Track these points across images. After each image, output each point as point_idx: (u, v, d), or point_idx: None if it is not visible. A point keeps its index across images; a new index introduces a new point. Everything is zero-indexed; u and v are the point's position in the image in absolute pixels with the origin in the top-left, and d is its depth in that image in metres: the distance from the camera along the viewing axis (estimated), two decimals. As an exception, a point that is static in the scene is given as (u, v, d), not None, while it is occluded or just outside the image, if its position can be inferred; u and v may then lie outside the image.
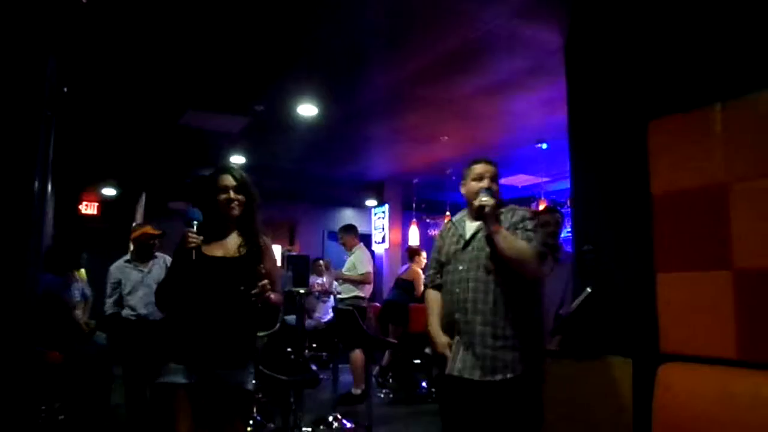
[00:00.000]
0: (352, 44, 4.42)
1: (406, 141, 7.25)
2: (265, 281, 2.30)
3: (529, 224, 2.55)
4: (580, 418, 2.88)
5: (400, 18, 4.01)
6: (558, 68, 4.02)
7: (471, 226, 2.61)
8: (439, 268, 2.69)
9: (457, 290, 2.52)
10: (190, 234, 2.36)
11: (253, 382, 2.51)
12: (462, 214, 2.72)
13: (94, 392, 5.17)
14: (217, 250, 2.42)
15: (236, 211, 2.44)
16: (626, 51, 3.40)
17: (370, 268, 6.07)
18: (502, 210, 2.57)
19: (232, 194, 2.43)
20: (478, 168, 2.61)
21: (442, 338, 2.54)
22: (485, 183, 2.53)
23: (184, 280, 2.35)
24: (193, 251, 2.34)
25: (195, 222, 2.39)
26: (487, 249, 2.48)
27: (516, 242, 2.44)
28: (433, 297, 2.68)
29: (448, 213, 9.31)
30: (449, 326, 2.55)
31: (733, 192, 2.65)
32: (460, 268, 2.54)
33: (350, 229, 6.42)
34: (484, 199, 2.40)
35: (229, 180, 2.45)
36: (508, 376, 2.40)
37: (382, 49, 4.54)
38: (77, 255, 5.44)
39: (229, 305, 2.34)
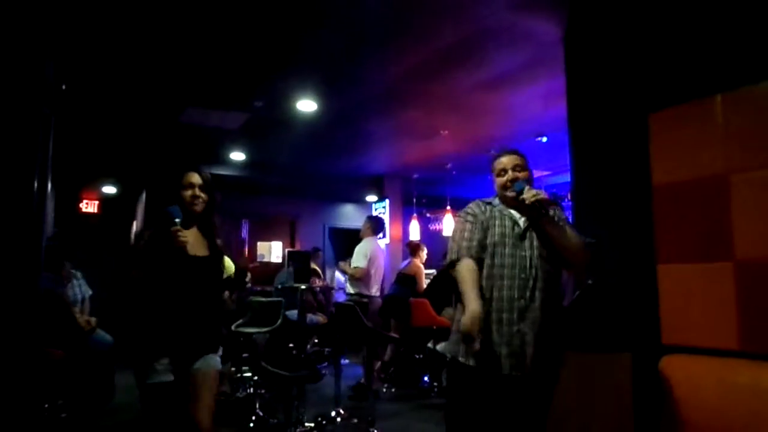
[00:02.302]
0: (351, 39, 4.41)
1: (405, 136, 7.24)
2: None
3: (566, 219, 2.56)
4: (580, 411, 2.88)
5: (398, 12, 3.99)
6: (557, 61, 4.01)
7: (520, 216, 2.50)
8: (479, 247, 2.46)
9: (523, 275, 2.37)
10: (179, 232, 2.46)
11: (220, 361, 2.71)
12: (498, 202, 2.58)
13: (97, 390, 5.19)
14: (190, 249, 2.54)
15: (199, 208, 2.60)
16: (626, 43, 3.39)
17: (362, 264, 5.96)
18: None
19: (197, 191, 2.60)
20: (500, 162, 2.59)
21: (479, 307, 2.25)
22: (509, 175, 2.52)
23: (163, 276, 2.47)
24: (182, 249, 2.48)
25: (178, 220, 2.49)
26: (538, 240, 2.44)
27: (571, 232, 2.44)
28: (471, 266, 2.41)
29: (448, 207, 9.30)
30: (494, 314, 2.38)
31: (733, 183, 2.65)
32: (523, 254, 2.40)
33: (371, 219, 6.42)
34: (526, 195, 2.37)
35: (195, 177, 2.62)
36: (549, 370, 2.37)
37: (381, 43, 4.53)
38: (69, 250, 5.44)
39: (205, 301, 2.58)
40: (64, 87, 3.92)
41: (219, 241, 2.72)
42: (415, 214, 9.69)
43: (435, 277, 6.83)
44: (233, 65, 4.93)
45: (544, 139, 7.00)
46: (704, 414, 2.37)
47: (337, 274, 7.76)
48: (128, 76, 5.17)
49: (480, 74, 5.08)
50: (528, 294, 2.36)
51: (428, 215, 10.65)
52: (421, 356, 6.85)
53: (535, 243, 2.43)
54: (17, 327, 2.92)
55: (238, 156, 8.06)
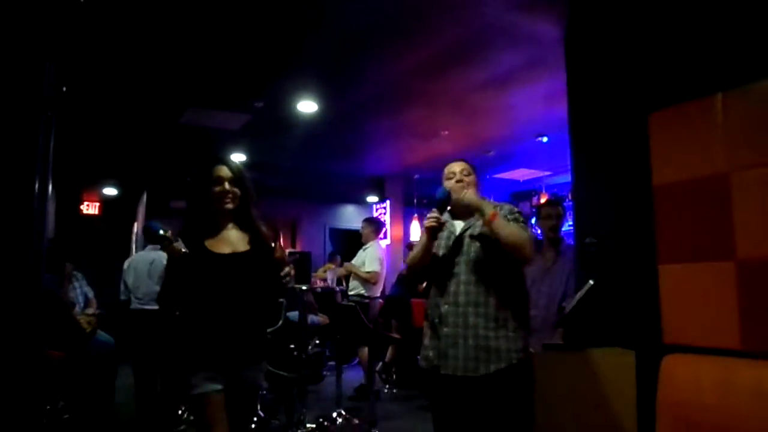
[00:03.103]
0: (351, 40, 4.41)
1: (406, 136, 7.24)
2: (289, 268, 2.33)
3: (519, 216, 2.61)
4: (583, 410, 2.88)
5: (398, 13, 3.99)
6: (558, 61, 4.00)
7: (460, 223, 2.70)
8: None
9: (451, 286, 2.56)
10: (174, 246, 2.24)
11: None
12: (447, 216, 2.77)
13: (98, 391, 5.19)
14: (223, 247, 2.30)
15: (230, 205, 2.32)
16: (626, 42, 3.39)
17: (377, 268, 5.99)
18: (495, 204, 2.65)
19: (227, 186, 2.32)
20: (449, 168, 2.88)
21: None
22: (452, 180, 2.74)
23: (194, 280, 2.23)
24: (185, 255, 2.25)
25: (161, 232, 2.28)
26: (478, 243, 2.56)
27: (514, 227, 2.50)
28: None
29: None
30: (434, 324, 2.59)
31: (735, 182, 2.64)
32: (457, 259, 2.58)
33: (372, 222, 6.45)
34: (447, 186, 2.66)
35: (224, 171, 2.33)
36: (502, 366, 2.43)
37: (381, 44, 4.53)
38: (71, 252, 5.45)
39: (246, 302, 2.29)
40: (65, 89, 3.92)
41: (263, 230, 2.42)
42: (416, 215, 9.69)
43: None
44: (233, 66, 4.93)
45: (545, 139, 7.00)
46: (706, 414, 2.36)
47: (327, 274, 7.81)
48: (129, 78, 5.17)
49: (481, 74, 5.08)
50: (452, 299, 2.52)
51: (429, 216, 10.63)
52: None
53: (472, 249, 2.55)
54: (18, 328, 2.92)
55: (238, 157, 8.06)
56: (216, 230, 2.31)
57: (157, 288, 5.01)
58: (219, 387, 2.16)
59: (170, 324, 5.28)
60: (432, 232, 2.54)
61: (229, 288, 2.25)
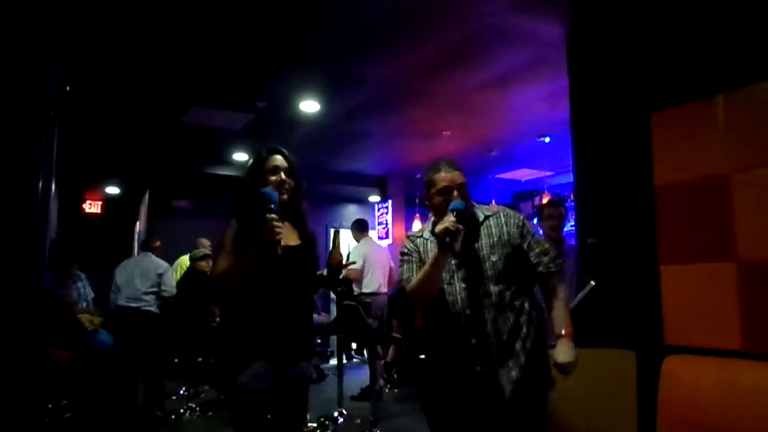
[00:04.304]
0: (354, 40, 4.42)
1: (408, 136, 7.24)
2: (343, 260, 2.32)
3: (530, 228, 2.28)
4: (584, 410, 2.88)
5: (401, 12, 4.00)
6: (560, 61, 4.01)
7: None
8: None
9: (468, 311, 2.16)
10: (275, 222, 2.07)
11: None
12: (428, 233, 2.31)
13: (101, 390, 5.21)
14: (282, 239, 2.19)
15: (285, 196, 2.23)
16: (628, 43, 3.39)
17: (359, 263, 6.15)
18: (489, 215, 2.27)
19: (283, 176, 2.24)
20: (441, 179, 2.20)
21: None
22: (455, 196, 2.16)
23: (258, 270, 2.12)
24: (278, 245, 2.13)
25: (273, 206, 2.10)
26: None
27: (561, 298, 2.23)
28: None
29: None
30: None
31: (736, 183, 2.65)
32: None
33: (355, 223, 6.67)
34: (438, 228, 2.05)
35: (280, 161, 2.26)
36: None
37: (384, 44, 4.53)
38: (77, 252, 5.50)
39: (298, 296, 2.25)
40: (68, 88, 3.94)
41: (310, 230, 2.38)
42: (417, 215, 9.68)
43: None
44: (236, 66, 4.94)
45: (547, 140, 7.00)
46: (707, 414, 2.36)
47: None
48: (132, 77, 5.18)
49: (483, 74, 5.08)
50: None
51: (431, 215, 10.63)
52: (424, 356, 6.85)
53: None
54: (19, 327, 2.93)
55: (241, 156, 8.06)
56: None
57: (143, 290, 5.49)
58: (266, 387, 2.09)
59: (162, 323, 5.45)
60: (450, 237, 2.03)
61: (284, 282, 2.19)
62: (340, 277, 2.33)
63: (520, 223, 2.25)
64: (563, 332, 2.16)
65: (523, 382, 2.11)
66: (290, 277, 2.21)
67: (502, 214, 2.29)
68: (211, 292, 2.42)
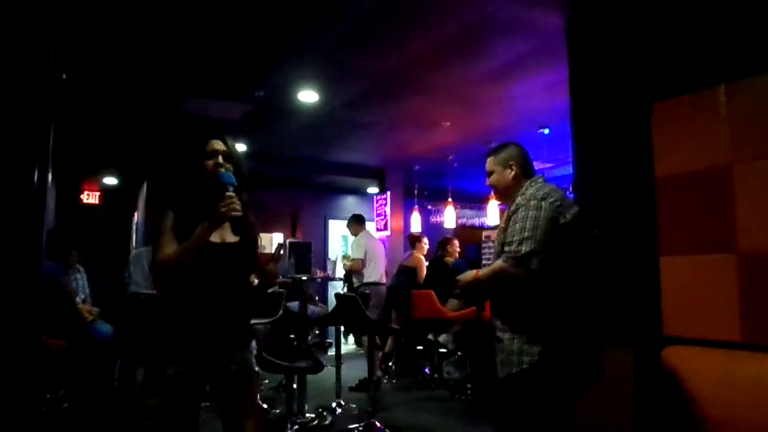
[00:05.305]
0: (353, 29, 4.39)
1: (407, 127, 7.22)
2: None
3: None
4: (580, 403, 2.88)
5: (400, 2, 3.97)
6: (560, 51, 3.98)
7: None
8: None
9: None
10: (233, 200, 2.01)
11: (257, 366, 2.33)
12: None
13: (98, 380, 5.21)
14: (213, 235, 2.08)
15: None
16: (629, 33, 3.37)
17: (358, 255, 6.37)
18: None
19: (221, 159, 2.14)
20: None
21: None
22: None
23: (191, 266, 2.03)
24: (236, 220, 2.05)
25: (231, 187, 2.05)
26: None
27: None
28: None
29: (450, 200, 9.28)
30: None
31: (737, 174, 2.64)
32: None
33: (351, 218, 6.82)
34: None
35: (218, 144, 2.17)
36: (514, 371, 2.25)
37: (383, 33, 4.50)
38: (75, 240, 5.56)
39: (231, 293, 2.17)
40: (64, 76, 3.90)
41: (251, 219, 2.25)
42: (416, 206, 9.68)
43: (430, 267, 6.88)
44: (234, 55, 4.91)
45: (546, 131, 6.98)
46: (706, 406, 2.36)
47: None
48: (129, 66, 5.15)
49: (482, 65, 5.05)
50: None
51: (429, 207, 10.64)
52: (422, 348, 6.87)
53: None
54: (17, 317, 2.91)
55: (239, 147, 8.01)
56: (206, 212, 2.05)
57: (151, 281, 5.49)
58: (193, 380, 2.06)
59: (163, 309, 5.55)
60: None
61: (216, 279, 2.11)
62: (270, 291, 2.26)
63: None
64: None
65: None
66: (220, 276, 2.11)
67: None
68: (157, 279, 2.19)
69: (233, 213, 2.01)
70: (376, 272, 6.39)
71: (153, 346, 1.93)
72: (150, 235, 2.14)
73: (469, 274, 2.45)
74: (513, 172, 2.52)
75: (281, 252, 2.41)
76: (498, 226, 2.52)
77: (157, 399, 2.13)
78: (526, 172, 2.53)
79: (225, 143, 2.19)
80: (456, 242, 7.02)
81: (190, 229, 2.03)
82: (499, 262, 2.31)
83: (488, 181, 2.60)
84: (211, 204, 2.03)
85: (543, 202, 2.28)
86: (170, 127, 7.04)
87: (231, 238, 2.18)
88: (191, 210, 2.09)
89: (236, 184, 2.08)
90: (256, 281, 2.33)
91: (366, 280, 6.33)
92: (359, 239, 6.53)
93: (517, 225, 2.27)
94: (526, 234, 2.22)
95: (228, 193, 2.03)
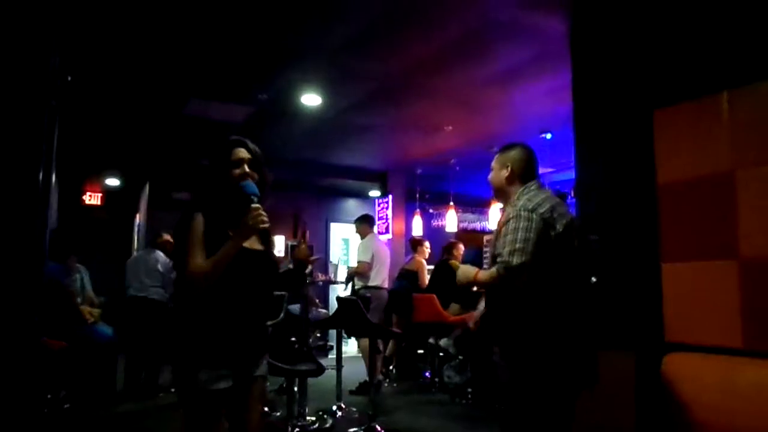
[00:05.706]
0: (356, 33, 4.40)
1: (409, 131, 7.23)
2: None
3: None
4: (581, 408, 2.88)
5: (404, 6, 3.98)
6: (562, 57, 3.99)
7: None
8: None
9: None
10: (260, 211, 2.03)
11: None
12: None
13: (100, 381, 5.22)
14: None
15: None
16: (631, 39, 3.38)
17: (365, 258, 6.29)
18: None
19: (246, 169, 2.14)
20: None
21: None
22: None
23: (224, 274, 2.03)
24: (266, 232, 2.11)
25: (255, 197, 2.07)
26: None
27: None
28: None
29: (451, 203, 9.29)
30: None
31: (739, 181, 2.64)
32: None
33: (361, 218, 6.70)
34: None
35: (243, 153, 2.16)
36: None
37: (386, 38, 4.51)
38: (78, 241, 5.58)
39: (261, 299, 2.21)
40: (69, 78, 3.92)
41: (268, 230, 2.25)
42: (418, 210, 9.67)
43: (435, 270, 6.86)
44: (238, 57, 4.92)
45: (549, 136, 6.98)
46: (707, 412, 2.36)
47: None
48: (133, 68, 5.17)
49: (485, 69, 5.06)
50: None
51: (431, 211, 10.63)
52: (423, 351, 6.86)
53: None
54: (20, 317, 2.92)
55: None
56: (232, 220, 2.07)
57: (149, 284, 5.75)
58: (226, 386, 2.04)
59: (168, 313, 5.58)
60: None
61: (248, 284, 2.13)
62: (306, 272, 2.33)
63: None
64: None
65: None
66: (253, 282, 2.14)
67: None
68: (192, 290, 2.12)
69: (261, 225, 2.04)
70: (380, 276, 6.35)
71: (177, 350, 1.90)
72: (175, 236, 2.10)
73: (470, 272, 2.47)
74: (507, 173, 2.55)
75: (316, 257, 2.60)
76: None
77: (158, 400, 2.13)
78: (523, 175, 2.54)
79: (249, 151, 2.20)
80: (461, 246, 7.02)
81: (218, 235, 2.05)
82: (494, 270, 2.35)
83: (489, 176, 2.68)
84: (237, 211, 2.06)
85: (533, 214, 2.31)
86: (173, 129, 7.06)
87: (258, 245, 2.21)
88: (219, 215, 2.11)
89: (260, 195, 2.10)
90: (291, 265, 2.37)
91: (370, 283, 6.29)
92: (367, 241, 6.45)
93: (508, 237, 2.30)
94: (517, 246, 2.26)
95: (254, 205, 2.05)
